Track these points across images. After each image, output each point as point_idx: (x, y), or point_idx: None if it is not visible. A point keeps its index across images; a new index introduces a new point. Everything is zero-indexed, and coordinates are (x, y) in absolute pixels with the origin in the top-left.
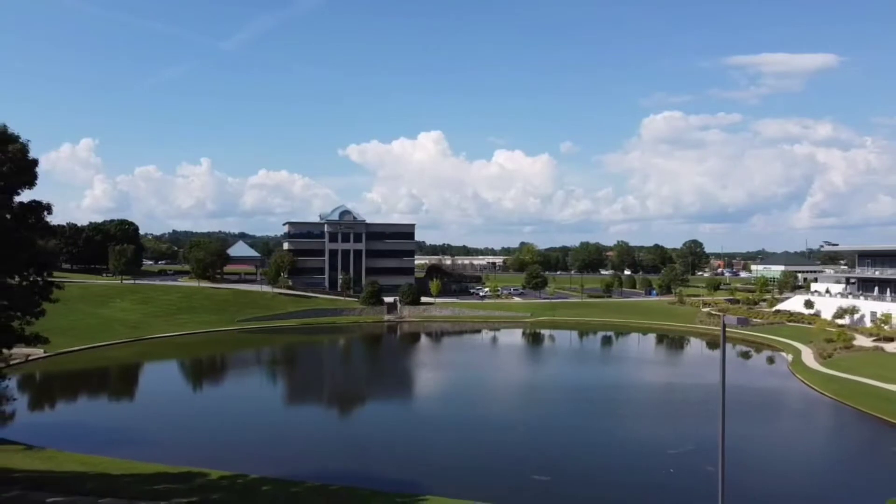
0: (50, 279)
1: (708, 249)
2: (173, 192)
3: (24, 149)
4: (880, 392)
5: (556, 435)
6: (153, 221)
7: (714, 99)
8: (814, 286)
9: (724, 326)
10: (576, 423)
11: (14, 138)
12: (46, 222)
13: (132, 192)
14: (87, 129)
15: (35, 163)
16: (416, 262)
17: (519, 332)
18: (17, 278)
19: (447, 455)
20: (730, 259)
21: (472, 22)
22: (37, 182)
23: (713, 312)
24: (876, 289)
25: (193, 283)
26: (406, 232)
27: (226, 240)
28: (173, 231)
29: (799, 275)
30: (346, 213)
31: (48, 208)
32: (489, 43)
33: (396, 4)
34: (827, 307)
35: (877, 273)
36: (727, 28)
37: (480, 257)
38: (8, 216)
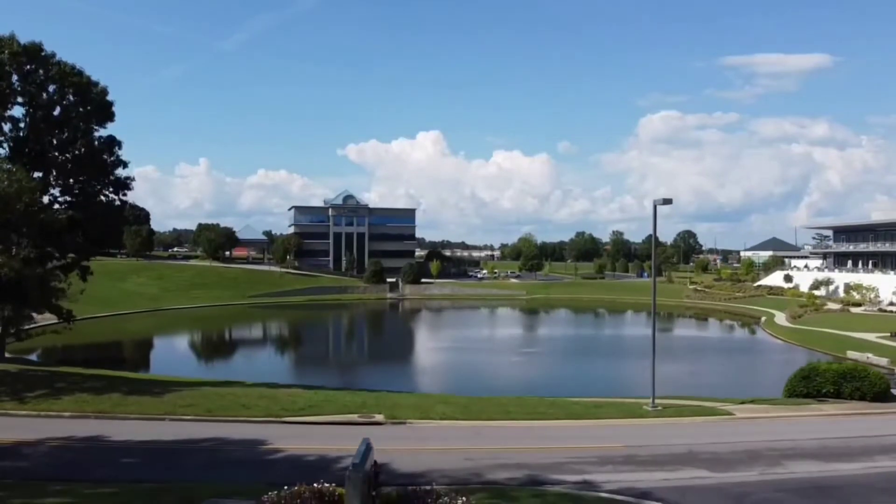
0: (125, 199)
1: (703, 246)
2: (171, 193)
3: (104, 90)
4: (836, 336)
5: (544, 371)
6: (152, 222)
7: (710, 99)
8: (794, 262)
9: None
10: (564, 367)
11: (96, 83)
12: (119, 155)
13: (130, 193)
14: None
15: (112, 103)
16: (416, 254)
17: (515, 307)
18: (103, 197)
19: (448, 377)
20: (726, 254)
21: (471, 23)
22: (115, 119)
23: (699, 289)
24: (849, 262)
25: (205, 263)
26: (407, 215)
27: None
28: (174, 229)
29: (786, 260)
30: (349, 197)
31: (119, 144)
32: (487, 43)
33: (395, 5)
34: (804, 280)
35: (850, 247)
36: (721, 29)
37: (478, 251)
38: (94, 146)
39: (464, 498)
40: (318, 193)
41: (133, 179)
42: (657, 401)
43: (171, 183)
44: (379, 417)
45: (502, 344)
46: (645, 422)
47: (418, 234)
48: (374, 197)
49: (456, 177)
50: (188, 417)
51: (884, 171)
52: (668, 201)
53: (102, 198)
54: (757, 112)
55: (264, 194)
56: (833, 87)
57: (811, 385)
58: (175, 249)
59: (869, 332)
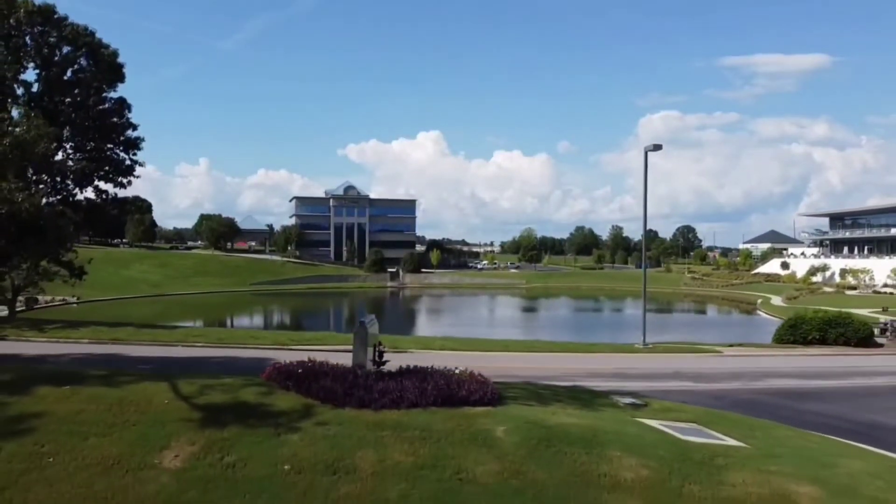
0: (134, 158)
1: (703, 241)
2: (172, 192)
3: (115, 52)
4: (830, 313)
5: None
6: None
7: (710, 99)
8: (791, 249)
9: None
10: (563, 336)
11: (107, 45)
12: (129, 118)
13: (130, 192)
14: None
15: (123, 65)
16: (416, 247)
17: (514, 295)
18: (112, 154)
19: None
20: (725, 251)
21: (471, 22)
22: (125, 80)
23: (696, 277)
24: (845, 249)
25: (208, 252)
26: (407, 206)
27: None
28: (174, 228)
29: (784, 251)
30: (350, 188)
31: (129, 107)
32: (487, 43)
33: (395, 5)
34: (801, 267)
35: (846, 234)
36: (720, 29)
37: (478, 248)
38: (105, 106)
39: (461, 367)
40: (319, 193)
41: (143, 140)
42: (649, 342)
43: (172, 183)
44: (381, 348)
45: (502, 321)
46: (636, 355)
47: (418, 233)
48: (374, 197)
49: (456, 176)
50: (199, 344)
51: (883, 171)
52: (658, 147)
53: (114, 156)
54: (757, 112)
55: (264, 194)
56: (832, 87)
57: (798, 333)
58: (176, 243)
59: (862, 309)
